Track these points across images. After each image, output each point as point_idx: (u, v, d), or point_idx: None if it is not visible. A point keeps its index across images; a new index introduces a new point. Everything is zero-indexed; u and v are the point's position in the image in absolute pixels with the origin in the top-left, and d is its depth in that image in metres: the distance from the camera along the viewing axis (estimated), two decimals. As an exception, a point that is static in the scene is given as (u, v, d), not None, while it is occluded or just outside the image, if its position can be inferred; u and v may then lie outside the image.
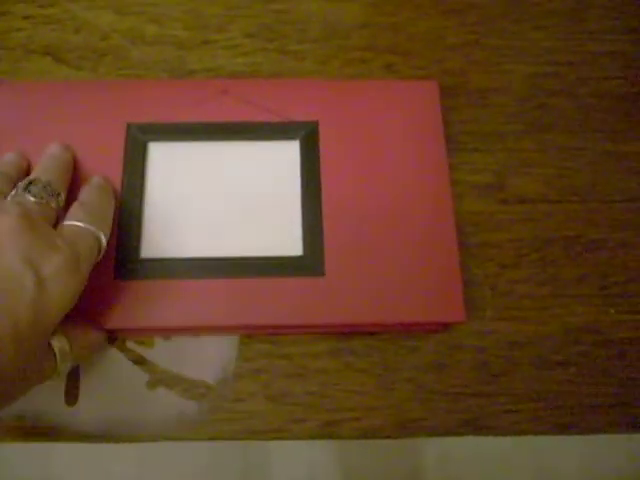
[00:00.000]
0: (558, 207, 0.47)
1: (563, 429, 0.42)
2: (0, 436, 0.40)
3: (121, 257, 0.40)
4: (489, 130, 0.49)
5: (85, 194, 0.40)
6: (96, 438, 0.41)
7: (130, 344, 0.42)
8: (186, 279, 0.40)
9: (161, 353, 0.42)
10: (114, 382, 0.42)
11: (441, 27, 0.52)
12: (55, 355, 0.35)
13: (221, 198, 0.43)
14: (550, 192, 0.47)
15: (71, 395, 0.41)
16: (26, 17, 0.51)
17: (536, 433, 0.42)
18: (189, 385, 0.42)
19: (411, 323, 0.41)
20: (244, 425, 0.41)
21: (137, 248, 0.41)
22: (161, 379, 0.42)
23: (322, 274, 0.40)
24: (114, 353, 0.42)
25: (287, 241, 0.42)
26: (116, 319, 0.39)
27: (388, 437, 0.41)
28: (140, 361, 0.42)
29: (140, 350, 0.42)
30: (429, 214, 0.42)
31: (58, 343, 0.35)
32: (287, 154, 0.44)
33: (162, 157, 0.44)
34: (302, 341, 0.43)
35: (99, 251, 0.37)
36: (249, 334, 0.43)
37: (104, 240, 0.37)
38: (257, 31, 0.51)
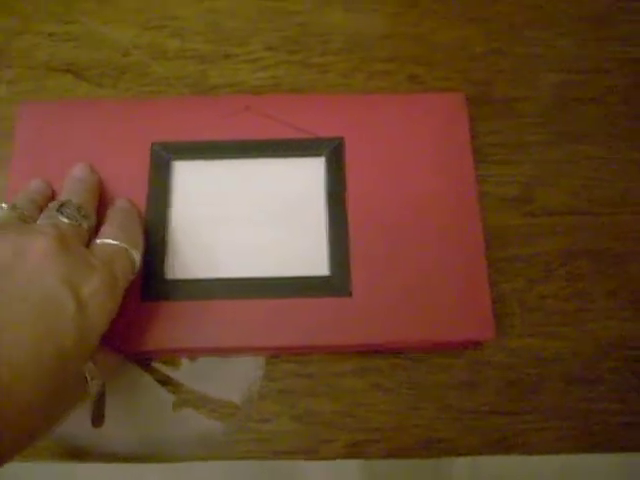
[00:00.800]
0: (586, 219, 0.46)
1: (593, 447, 0.41)
2: (27, 456, 0.41)
3: (147, 278, 0.40)
4: (515, 141, 0.48)
5: (114, 215, 0.40)
6: (122, 459, 0.41)
7: (156, 364, 0.42)
8: (212, 300, 0.40)
9: (187, 373, 0.42)
10: (140, 403, 0.42)
11: (465, 36, 0.51)
12: (86, 377, 0.35)
13: (246, 217, 0.42)
14: (578, 204, 0.46)
15: (97, 416, 0.41)
16: (47, 35, 0.51)
17: (566, 451, 0.41)
18: (215, 405, 0.42)
19: (440, 342, 0.41)
20: (270, 445, 0.41)
21: (163, 269, 0.41)
22: (187, 399, 0.42)
23: (349, 294, 0.40)
24: (140, 373, 0.42)
25: (314, 261, 0.41)
26: (143, 341, 0.39)
27: (416, 457, 0.41)
28: (166, 381, 0.42)
29: (166, 370, 0.42)
30: (457, 230, 0.42)
31: (86, 365, 0.35)
32: (312, 171, 0.43)
33: (187, 175, 0.43)
34: (328, 360, 0.42)
35: (134, 269, 0.38)
36: (275, 354, 0.42)
37: (137, 258, 0.38)
38: (279, 44, 0.51)
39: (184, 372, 0.42)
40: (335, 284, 0.40)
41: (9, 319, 0.31)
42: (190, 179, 0.43)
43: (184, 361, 0.42)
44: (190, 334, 0.39)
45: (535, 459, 0.41)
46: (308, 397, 0.42)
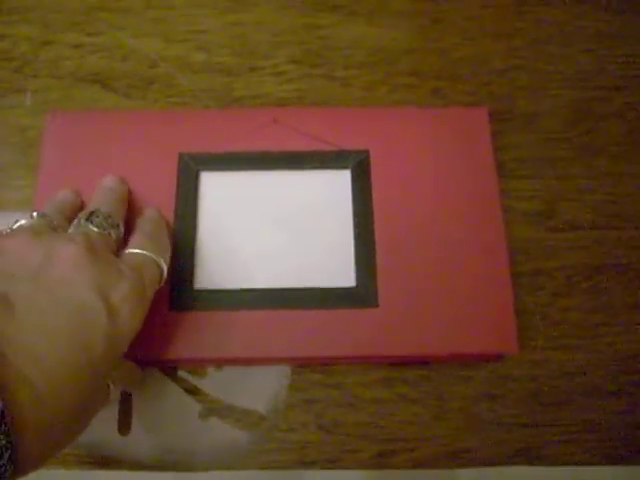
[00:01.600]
0: (609, 233, 0.46)
1: (616, 460, 0.42)
2: (55, 464, 0.41)
3: (175, 288, 0.41)
4: (537, 156, 0.48)
5: (143, 224, 0.40)
6: (148, 467, 0.41)
7: (182, 373, 0.43)
8: (239, 310, 0.40)
9: (213, 383, 0.42)
10: (167, 412, 0.42)
11: (487, 52, 0.52)
12: (108, 385, 0.35)
13: (273, 228, 0.43)
14: (600, 218, 0.47)
15: (124, 424, 0.42)
16: (75, 46, 0.51)
17: (589, 464, 0.42)
18: (241, 415, 0.42)
19: (464, 354, 0.41)
20: (296, 455, 0.41)
21: (191, 279, 0.41)
22: (213, 409, 0.42)
23: (375, 305, 0.40)
24: (167, 383, 0.42)
25: (340, 272, 0.42)
26: (170, 350, 0.39)
27: (441, 467, 0.41)
28: (192, 391, 0.42)
29: (192, 380, 0.42)
30: (482, 243, 0.42)
31: (109, 379, 0.36)
32: (339, 183, 0.44)
33: (214, 186, 0.44)
34: (354, 371, 0.43)
35: (161, 278, 0.38)
36: (302, 364, 0.43)
37: (165, 267, 0.38)
38: (303, 57, 0.51)
39: (210, 381, 0.42)
40: (361, 295, 0.41)
41: (44, 328, 0.30)
42: (217, 190, 0.44)
43: (210, 370, 0.43)
44: (216, 344, 0.39)
45: (559, 470, 0.41)
46: (334, 407, 0.42)
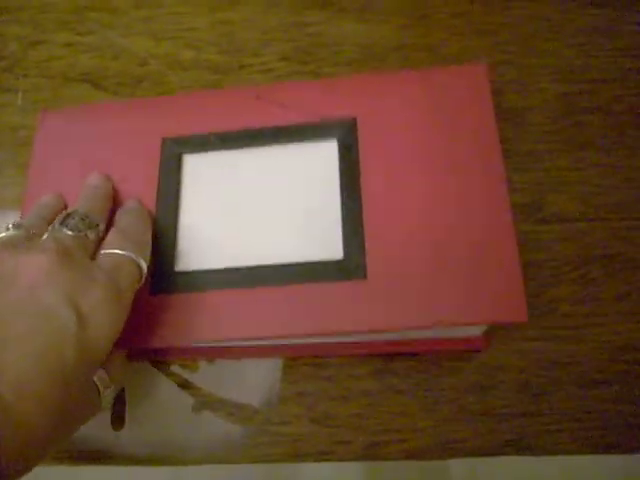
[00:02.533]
0: (596, 225, 0.47)
1: (606, 449, 0.42)
2: (48, 460, 0.41)
3: (156, 271, 0.40)
4: (525, 149, 0.49)
5: (121, 219, 0.39)
6: (142, 462, 0.41)
7: (175, 368, 0.43)
8: (223, 289, 0.39)
9: (205, 376, 0.43)
10: (160, 406, 0.42)
11: (474, 47, 0.52)
12: (98, 388, 0.35)
13: (258, 204, 0.42)
14: (588, 210, 0.47)
15: (117, 419, 0.42)
16: (65, 45, 0.52)
17: (579, 453, 0.42)
18: (234, 408, 0.42)
19: (453, 341, 0.41)
20: (289, 448, 0.41)
21: (172, 261, 0.40)
22: (206, 402, 0.42)
23: (364, 277, 0.38)
24: (159, 377, 0.43)
25: (327, 245, 0.40)
26: (155, 334, 0.38)
27: (433, 458, 0.41)
28: (185, 385, 0.42)
29: (185, 374, 0.43)
30: (482, 206, 0.39)
31: (97, 375, 0.35)
32: (325, 154, 0.42)
33: (197, 168, 0.43)
34: (345, 363, 0.43)
35: (141, 277, 0.37)
36: (293, 357, 0.43)
37: (144, 265, 0.37)
38: (292, 54, 0.52)
39: (202, 375, 0.43)
40: (349, 267, 0.38)
41: (9, 336, 0.30)
42: (201, 171, 0.43)
43: (202, 364, 0.43)
44: (203, 326, 0.38)
45: (549, 460, 0.42)
46: (326, 400, 0.42)
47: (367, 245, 0.39)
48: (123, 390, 0.42)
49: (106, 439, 0.41)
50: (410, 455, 0.41)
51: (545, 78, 0.51)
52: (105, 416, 0.42)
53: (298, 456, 0.41)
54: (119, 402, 0.42)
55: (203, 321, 0.38)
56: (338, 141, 0.42)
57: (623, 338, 0.44)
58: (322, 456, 0.41)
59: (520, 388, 0.43)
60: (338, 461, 0.41)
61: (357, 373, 0.43)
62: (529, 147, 0.49)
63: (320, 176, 0.42)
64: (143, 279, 0.37)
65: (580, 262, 0.46)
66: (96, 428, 0.41)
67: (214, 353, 0.42)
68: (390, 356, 0.43)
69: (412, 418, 0.42)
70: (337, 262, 0.39)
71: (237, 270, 0.39)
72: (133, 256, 0.36)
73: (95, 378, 0.35)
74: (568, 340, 0.44)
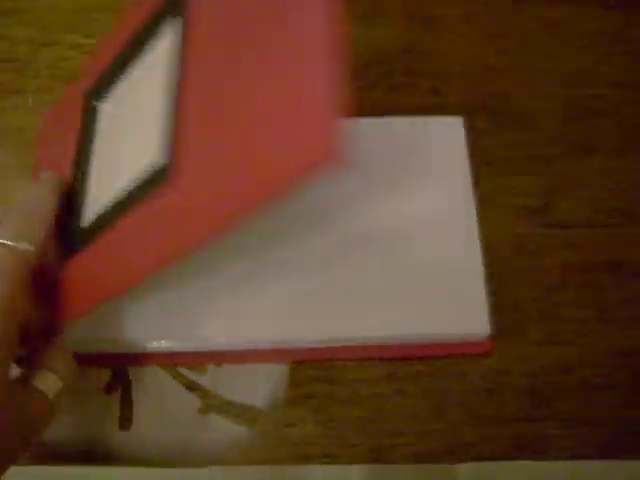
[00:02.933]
0: (603, 230, 0.47)
1: (613, 454, 0.42)
2: (55, 460, 0.41)
3: (63, 230, 0.37)
4: (533, 153, 0.49)
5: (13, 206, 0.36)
6: (148, 463, 0.41)
7: (183, 370, 0.43)
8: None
9: (213, 379, 0.43)
10: (167, 407, 0.42)
11: (483, 51, 0.52)
12: (45, 395, 0.34)
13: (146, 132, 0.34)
14: (595, 215, 0.47)
15: (125, 420, 0.42)
16: (73, 47, 0.52)
17: (585, 457, 0.42)
18: (240, 410, 0.42)
19: (459, 345, 0.42)
20: (295, 450, 0.41)
21: (79, 218, 0.37)
22: (213, 405, 0.42)
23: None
24: (167, 379, 0.43)
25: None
26: (80, 299, 0.34)
27: (440, 462, 0.41)
28: (192, 387, 0.42)
29: (192, 376, 0.43)
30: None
31: (43, 382, 0.34)
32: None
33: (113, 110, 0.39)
34: (352, 366, 0.43)
35: (26, 261, 0.33)
36: (299, 360, 0.43)
37: (31, 246, 0.33)
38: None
39: (210, 378, 0.43)
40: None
41: None
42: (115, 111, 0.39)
43: (210, 367, 0.43)
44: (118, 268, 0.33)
45: (556, 464, 0.42)
46: (333, 402, 0.42)
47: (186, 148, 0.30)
48: (130, 390, 0.42)
49: (113, 439, 0.41)
50: (417, 459, 0.41)
51: (554, 82, 0.51)
52: (113, 416, 0.42)
53: (304, 458, 0.41)
54: (126, 402, 0.42)
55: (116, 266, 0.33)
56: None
57: (629, 343, 0.44)
58: (328, 459, 0.41)
59: (527, 392, 0.43)
60: (345, 464, 0.41)
61: (364, 376, 0.43)
62: (537, 151, 0.49)
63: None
64: (35, 258, 0.33)
65: (587, 267, 0.46)
66: (103, 428, 0.42)
67: (218, 357, 0.43)
68: (397, 360, 0.43)
69: (419, 422, 0.42)
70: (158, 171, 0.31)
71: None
72: (7, 241, 0.32)
73: (41, 386, 0.33)
74: (574, 345, 0.44)
